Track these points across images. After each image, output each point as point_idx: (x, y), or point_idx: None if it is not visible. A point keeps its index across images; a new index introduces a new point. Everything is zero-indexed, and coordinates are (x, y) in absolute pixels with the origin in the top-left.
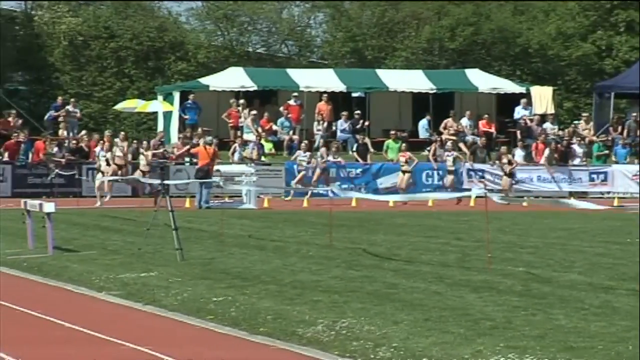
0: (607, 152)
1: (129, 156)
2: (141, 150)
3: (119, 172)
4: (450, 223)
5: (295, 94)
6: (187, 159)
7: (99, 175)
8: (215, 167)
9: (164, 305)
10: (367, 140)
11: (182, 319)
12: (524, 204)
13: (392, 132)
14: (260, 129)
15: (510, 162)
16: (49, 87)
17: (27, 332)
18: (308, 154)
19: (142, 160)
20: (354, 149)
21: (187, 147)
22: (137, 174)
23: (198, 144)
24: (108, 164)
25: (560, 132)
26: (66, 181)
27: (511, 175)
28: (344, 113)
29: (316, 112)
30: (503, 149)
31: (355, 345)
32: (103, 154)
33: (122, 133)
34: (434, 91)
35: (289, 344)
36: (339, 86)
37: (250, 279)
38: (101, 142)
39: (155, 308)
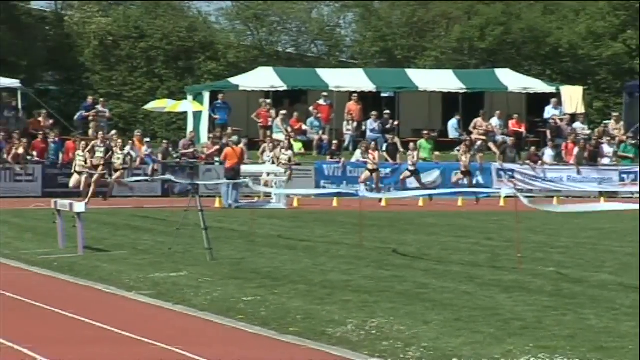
0: (629, 155)
1: (121, 157)
2: (115, 149)
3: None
4: (480, 223)
5: (325, 93)
6: (217, 159)
7: (75, 176)
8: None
9: (194, 305)
10: (396, 140)
11: (212, 319)
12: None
13: (425, 132)
14: (289, 129)
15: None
16: (80, 87)
17: (58, 332)
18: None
19: (116, 161)
20: (384, 148)
21: (217, 147)
22: (116, 175)
23: (227, 144)
24: (86, 163)
25: (591, 132)
26: None
27: (469, 174)
28: (374, 113)
29: (346, 111)
30: (462, 148)
31: (385, 345)
32: (81, 154)
33: (100, 134)
34: (464, 91)
35: (319, 344)
36: (368, 86)
37: (280, 278)
38: (130, 142)
39: (185, 308)
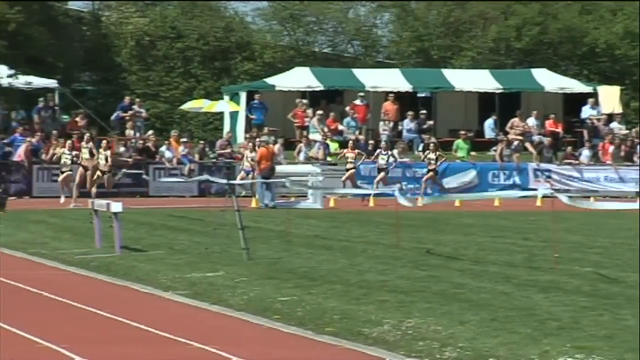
0: None
1: (103, 157)
2: (100, 149)
3: (86, 174)
4: (517, 223)
5: (362, 93)
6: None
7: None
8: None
9: (230, 304)
10: (433, 140)
11: (249, 319)
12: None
13: (462, 132)
14: (326, 129)
15: (437, 159)
16: (117, 87)
17: (94, 332)
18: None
19: (102, 160)
20: (420, 148)
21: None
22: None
23: (261, 145)
24: (73, 164)
25: (628, 132)
26: (133, 181)
27: (436, 172)
28: (410, 113)
29: (382, 111)
30: (429, 145)
31: (422, 345)
32: (67, 153)
33: (87, 134)
34: (501, 91)
35: (355, 344)
36: (405, 86)
37: (316, 278)
38: (166, 142)
39: (222, 308)
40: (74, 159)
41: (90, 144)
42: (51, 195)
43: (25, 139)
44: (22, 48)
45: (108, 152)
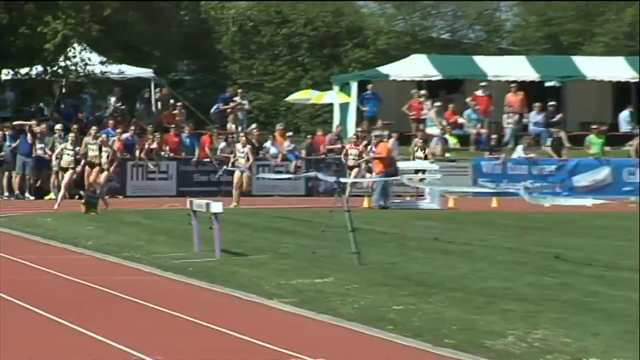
0: None
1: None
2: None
3: (93, 172)
4: None
5: (484, 83)
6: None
7: (62, 173)
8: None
9: (340, 314)
10: (562, 134)
11: (360, 329)
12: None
13: (594, 126)
14: (444, 122)
15: (426, 157)
16: (217, 77)
17: (192, 342)
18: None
19: (104, 158)
20: (548, 143)
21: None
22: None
23: (382, 139)
24: (77, 161)
25: None
26: None
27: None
28: (537, 104)
29: (506, 103)
30: (417, 143)
31: (549, 359)
32: (69, 149)
33: (94, 128)
34: (637, 80)
35: (477, 357)
36: (531, 75)
37: (434, 285)
38: (271, 136)
39: (331, 317)
40: (77, 156)
41: (100, 138)
42: (146, 194)
43: (116, 132)
44: (116, 34)
45: (109, 149)
